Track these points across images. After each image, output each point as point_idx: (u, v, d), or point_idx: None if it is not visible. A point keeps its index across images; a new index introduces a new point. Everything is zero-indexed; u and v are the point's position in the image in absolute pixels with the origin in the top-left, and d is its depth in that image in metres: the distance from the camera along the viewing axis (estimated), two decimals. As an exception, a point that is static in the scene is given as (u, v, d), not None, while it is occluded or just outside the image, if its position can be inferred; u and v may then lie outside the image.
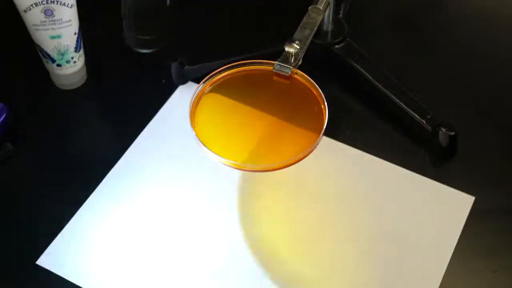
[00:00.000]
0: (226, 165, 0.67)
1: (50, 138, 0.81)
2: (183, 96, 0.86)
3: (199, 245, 0.74)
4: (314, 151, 0.67)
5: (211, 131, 0.69)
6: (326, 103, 0.69)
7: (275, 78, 0.71)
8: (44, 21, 0.80)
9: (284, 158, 0.66)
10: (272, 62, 0.71)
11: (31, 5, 0.79)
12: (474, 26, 0.93)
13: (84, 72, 0.87)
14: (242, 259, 0.73)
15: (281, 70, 0.71)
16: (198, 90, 0.71)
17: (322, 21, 0.80)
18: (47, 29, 0.81)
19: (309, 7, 0.76)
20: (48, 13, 0.80)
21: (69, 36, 0.82)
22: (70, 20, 0.81)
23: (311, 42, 0.74)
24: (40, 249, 0.74)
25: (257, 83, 0.72)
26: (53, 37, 0.82)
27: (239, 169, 0.67)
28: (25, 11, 0.80)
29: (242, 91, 0.72)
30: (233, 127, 0.70)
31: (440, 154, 0.80)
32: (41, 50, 0.83)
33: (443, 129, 0.78)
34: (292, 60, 0.71)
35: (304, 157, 0.67)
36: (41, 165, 0.81)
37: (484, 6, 0.96)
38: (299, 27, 0.74)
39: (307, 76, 0.71)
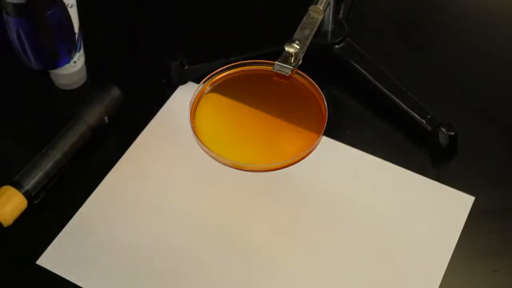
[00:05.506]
0: (226, 165, 0.67)
1: (50, 138, 0.81)
2: (183, 96, 0.86)
3: (199, 245, 0.74)
4: (314, 151, 0.67)
5: (211, 131, 0.69)
6: (326, 103, 0.69)
7: (275, 78, 0.71)
8: (44, 21, 0.80)
9: (284, 158, 0.66)
10: (272, 62, 0.71)
11: (31, 5, 0.79)
12: (474, 27, 0.93)
13: (84, 72, 0.87)
14: (242, 259, 0.73)
15: (281, 70, 0.71)
16: (198, 90, 0.71)
17: (322, 21, 0.80)
18: (47, 29, 0.81)
19: (309, 7, 0.76)
20: (48, 13, 0.80)
21: (69, 36, 0.82)
22: (70, 20, 0.81)
23: (311, 42, 0.74)
24: (40, 249, 0.74)
25: (257, 83, 0.72)
26: (53, 37, 0.82)
27: (239, 169, 0.67)
28: (25, 11, 0.80)
29: (242, 91, 0.72)
30: (233, 127, 0.70)
31: (440, 154, 0.80)
32: (41, 50, 0.83)
33: (443, 129, 0.78)
34: (292, 60, 0.71)
35: (304, 157, 0.67)
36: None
37: (485, 6, 0.96)
38: (299, 27, 0.74)
39: (307, 76, 0.71)
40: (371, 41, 0.91)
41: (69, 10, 0.80)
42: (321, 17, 0.76)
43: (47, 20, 0.65)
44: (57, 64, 0.68)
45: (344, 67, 0.86)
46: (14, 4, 0.64)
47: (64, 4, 0.66)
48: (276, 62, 0.71)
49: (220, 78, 0.72)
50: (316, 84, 0.70)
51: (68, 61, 0.68)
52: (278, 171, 0.67)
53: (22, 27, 0.66)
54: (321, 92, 0.70)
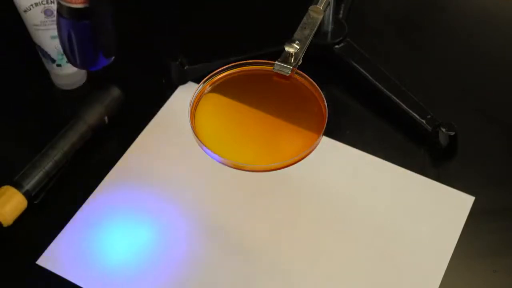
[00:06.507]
0: (226, 165, 0.67)
1: (50, 138, 0.81)
2: (183, 96, 0.86)
3: (199, 245, 0.74)
4: (314, 151, 0.67)
5: (211, 131, 0.69)
6: (326, 103, 0.69)
7: (275, 78, 0.71)
8: (44, 21, 0.81)
9: (284, 158, 0.66)
10: (272, 62, 0.71)
11: (31, 5, 0.79)
12: (474, 27, 0.93)
13: (84, 72, 0.87)
14: (242, 258, 0.73)
15: (281, 70, 0.71)
16: (198, 90, 0.71)
17: (322, 21, 0.80)
18: (47, 29, 0.81)
19: (309, 7, 0.76)
20: (48, 13, 0.80)
21: (69, 36, 0.82)
22: (70, 20, 0.81)
23: (311, 42, 0.74)
24: (40, 249, 0.74)
25: (257, 83, 0.72)
26: (53, 37, 0.82)
27: (239, 169, 0.67)
28: (25, 11, 0.80)
29: (242, 91, 0.72)
30: (233, 127, 0.70)
31: (440, 154, 0.80)
32: (41, 50, 0.83)
33: (443, 129, 0.78)
34: (292, 60, 0.71)
35: (304, 157, 0.67)
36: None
37: (485, 6, 0.96)
38: (299, 27, 0.74)
39: (307, 76, 0.71)
40: (371, 41, 0.91)
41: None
42: (321, 17, 0.76)
43: (98, 25, 0.68)
44: (98, 65, 0.71)
45: (344, 67, 0.86)
46: (69, 8, 0.66)
47: (111, 9, 0.69)
48: (276, 62, 0.71)
49: (220, 78, 0.72)
50: (316, 84, 0.70)
51: (106, 63, 0.72)
52: (278, 171, 0.66)
53: (74, 30, 0.68)
54: (321, 92, 0.70)
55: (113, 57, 0.72)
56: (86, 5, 0.66)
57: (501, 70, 0.88)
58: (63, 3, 0.66)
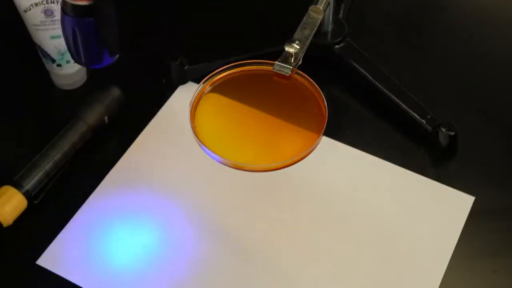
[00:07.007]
0: (226, 165, 0.67)
1: (50, 138, 0.81)
2: (183, 96, 0.86)
3: (199, 245, 0.74)
4: (314, 151, 0.67)
5: (211, 131, 0.69)
6: (326, 103, 0.69)
7: (275, 78, 0.71)
8: (44, 21, 0.81)
9: (284, 158, 0.66)
10: (272, 62, 0.71)
11: (31, 5, 0.79)
12: (474, 27, 0.93)
13: (84, 72, 0.87)
14: (242, 258, 0.73)
15: (281, 70, 0.71)
16: (198, 90, 0.71)
17: (322, 21, 0.80)
18: (47, 29, 0.81)
19: (309, 7, 0.76)
20: (48, 13, 0.80)
21: (69, 36, 0.82)
22: (70, 20, 0.81)
23: (311, 42, 0.74)
24: (40, 249, 0.74)
25: (257, 83, 0.72)
26: (53, 37, 0.82)
27: (239, 169, 0.67)
28: (25, 11, 0.80)
29: (242, 91, 0.72)
30: (233, 127, 0.70)
31: (440, 154, 0.80)
32: (41, 50, 0.83)
33: (443, 129, 0.78)
34: (292, 60, 0.71)
35: (304, 157, 0.67)
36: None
37: (485, 6, 0.96)
38: (299, 27, 0.74)
39: (307, 76, 0.71)
40: (371, 41, 0.91)
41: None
42: (321, 17, 0.76)
43: (102, 22, 0.68)
44: (102, 63, 0.71)
45: (344, 67, 0.86)
46: (74, 5, 0.66)
47: (114, 6, 0.69)
48: (276, 62, 0.71)
49: (220, 78, 0.72)
50: (316, 84, 0.70)
51: (111, 61, 0.72)
52: (278, 171, 0.67)
53: (78, 27, 0.68)
54: (321, 92, 0.70)
55: (117, 55, 0.72)
56: (91, 2, 0.66)
57: (501, 70, 0.88)
58: (67, 0, 0.66)
